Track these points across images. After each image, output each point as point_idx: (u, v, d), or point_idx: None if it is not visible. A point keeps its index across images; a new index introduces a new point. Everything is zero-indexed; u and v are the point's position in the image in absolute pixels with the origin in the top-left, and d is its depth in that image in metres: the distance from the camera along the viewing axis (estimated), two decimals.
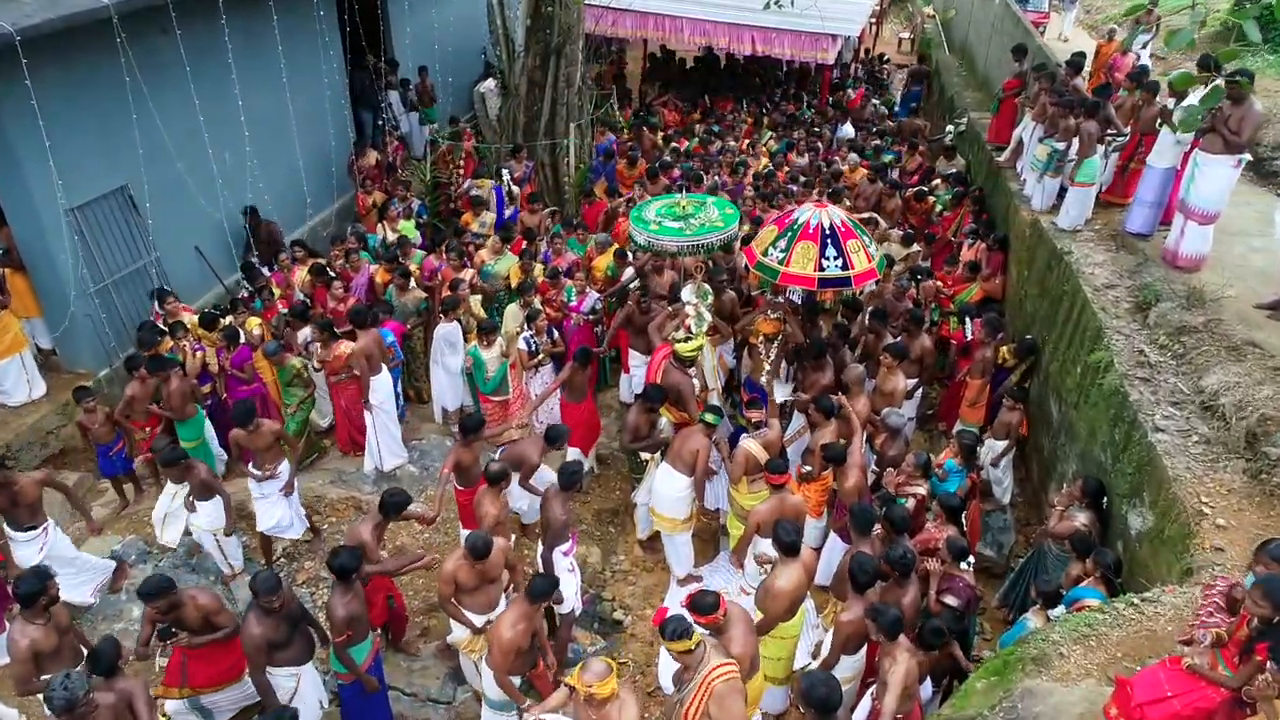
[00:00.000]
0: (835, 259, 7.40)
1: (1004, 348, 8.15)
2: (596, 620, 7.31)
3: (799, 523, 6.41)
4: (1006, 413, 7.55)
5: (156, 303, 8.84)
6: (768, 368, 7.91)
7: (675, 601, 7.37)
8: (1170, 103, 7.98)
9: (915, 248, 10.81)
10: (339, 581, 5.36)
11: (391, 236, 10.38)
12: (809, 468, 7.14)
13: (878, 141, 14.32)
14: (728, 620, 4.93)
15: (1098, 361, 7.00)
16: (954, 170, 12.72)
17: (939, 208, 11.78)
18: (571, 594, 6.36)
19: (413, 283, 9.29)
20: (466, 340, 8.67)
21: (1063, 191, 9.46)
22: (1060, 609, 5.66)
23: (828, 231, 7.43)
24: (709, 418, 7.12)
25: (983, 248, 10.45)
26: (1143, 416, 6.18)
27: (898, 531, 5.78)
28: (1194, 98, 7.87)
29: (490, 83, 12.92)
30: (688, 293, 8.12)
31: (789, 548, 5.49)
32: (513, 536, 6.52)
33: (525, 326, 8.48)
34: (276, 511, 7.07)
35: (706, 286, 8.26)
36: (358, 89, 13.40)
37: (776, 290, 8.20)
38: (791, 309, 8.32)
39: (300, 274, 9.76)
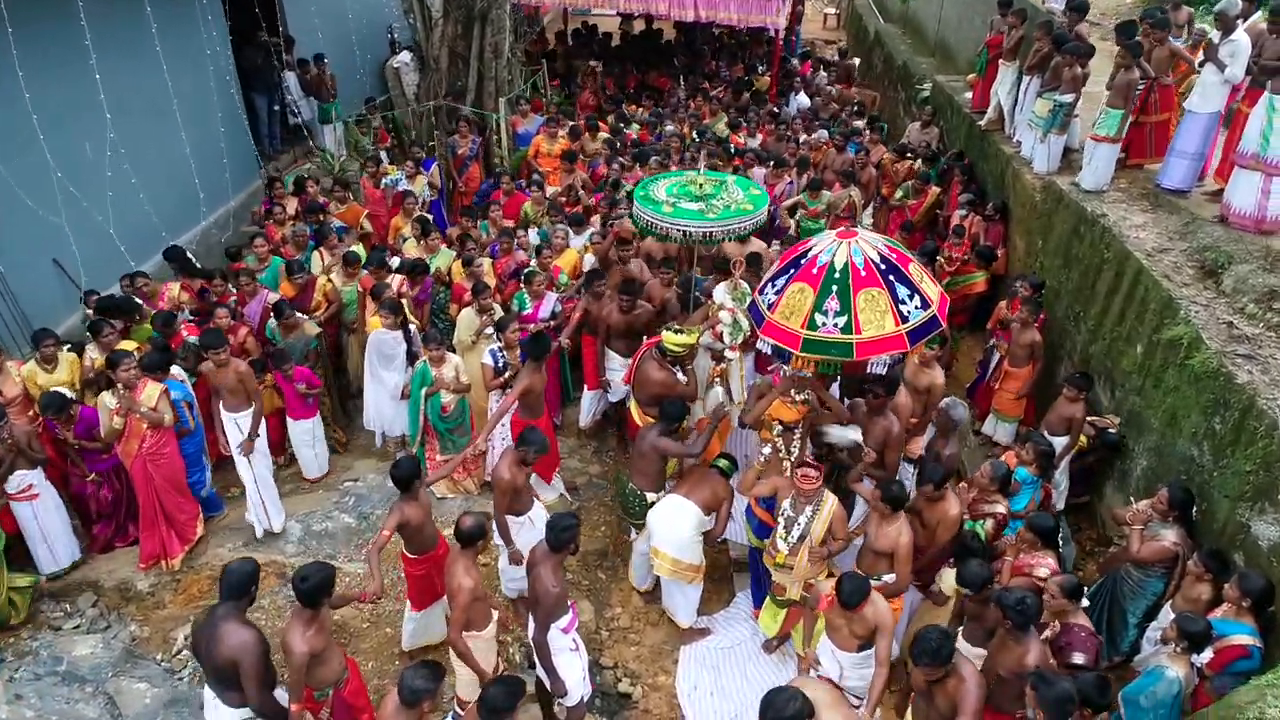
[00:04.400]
0: (911, 298, 5.25)
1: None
2: (598, 696, 5.84)
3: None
4: (1067, 404, 6.38)
5: None
6: (787, 465, 5.76)
7: (690, 660, 6.01)
8: (1215, 36, 6.98)
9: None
10: None
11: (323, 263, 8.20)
12: (890, 575, 5.23)
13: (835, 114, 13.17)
14: None
15: (1177, 338, 5.91)
16: (925, 140, 11.63)
17: (900, 194, 10.64)
18: (577, 679, 4.90)
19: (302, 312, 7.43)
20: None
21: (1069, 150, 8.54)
22: (1207, 653, 4.51)
23: (882, 266, 5.27)
24: (723, 464, 5.93)
25: (978, 220, 9.39)
26: (1262, 403, 5.08)
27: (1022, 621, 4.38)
28: (1238, 34, 6.89)
29: (405, 56, 11.25)
30: (721, 292, 6.50)
31: None
32: (495, 615, 5.01)
33: (495, 337, 6.93)
34: None
35: (745, 286, 6.55)
36: (248, 69, 11.53)
37: (855, 368, 5.68)
38: (820, 381, 5.93)
39: (172, 290, 7.84)
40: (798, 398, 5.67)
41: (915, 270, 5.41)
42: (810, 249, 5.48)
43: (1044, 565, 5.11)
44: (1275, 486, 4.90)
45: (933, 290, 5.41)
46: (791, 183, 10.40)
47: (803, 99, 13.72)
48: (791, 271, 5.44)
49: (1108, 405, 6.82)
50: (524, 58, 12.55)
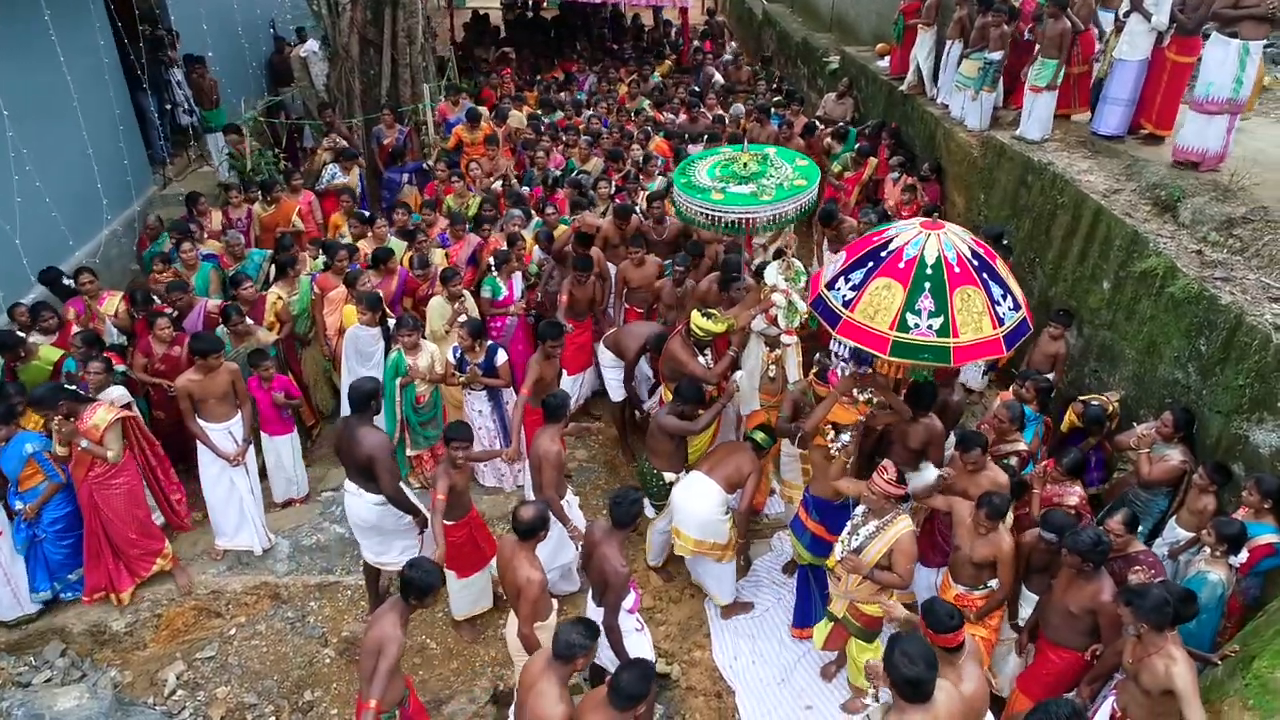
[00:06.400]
0: (1005, 298, 4.76)
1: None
2: None
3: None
4: (1050, 342, 6.63)
5: None
6: (844, 456, 5.27)
7: (723, 632, 5.90)
8: None
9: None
10: None
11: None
12: (995, 581, 4.79)
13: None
14: None
15: (1151, 269, 6.22)
16: (841, 111, 11.90)
17: (838, 168, 10.81)
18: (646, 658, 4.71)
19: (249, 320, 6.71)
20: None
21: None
22: (1243, 554, 4.76)
23: (975, 263, 4.75)
24: (759, 437, 5.61)
25: (909, 181, 9.64)
26: (1251, 319, 5.40)
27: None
28: None
29: (312, 44, 10.58)
30: (773, 273, 6.01)
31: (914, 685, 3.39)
32: (555, 604, 4.76)
33: (457, 329, 6.53)
34: None
35: (799, 265, 6.10)
36: (132, 67, 10.55)
37: (944, 373, 5.22)
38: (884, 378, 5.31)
39: (111, 302, 7.15)
40: (860, 397, 5.23)
41: (1002, 267, 5.01)
42: (890, 240, 4.90)
43: (1073, 494, 5.28)
44: (1273, 395, 5.23)
45: (1016, 288, 4.98)
46: None
47: (716, 76, 13.80)
48: (870, 265, 4.86)
49: (1076, 343, 7.12)
50: (434, 43, 12.07)
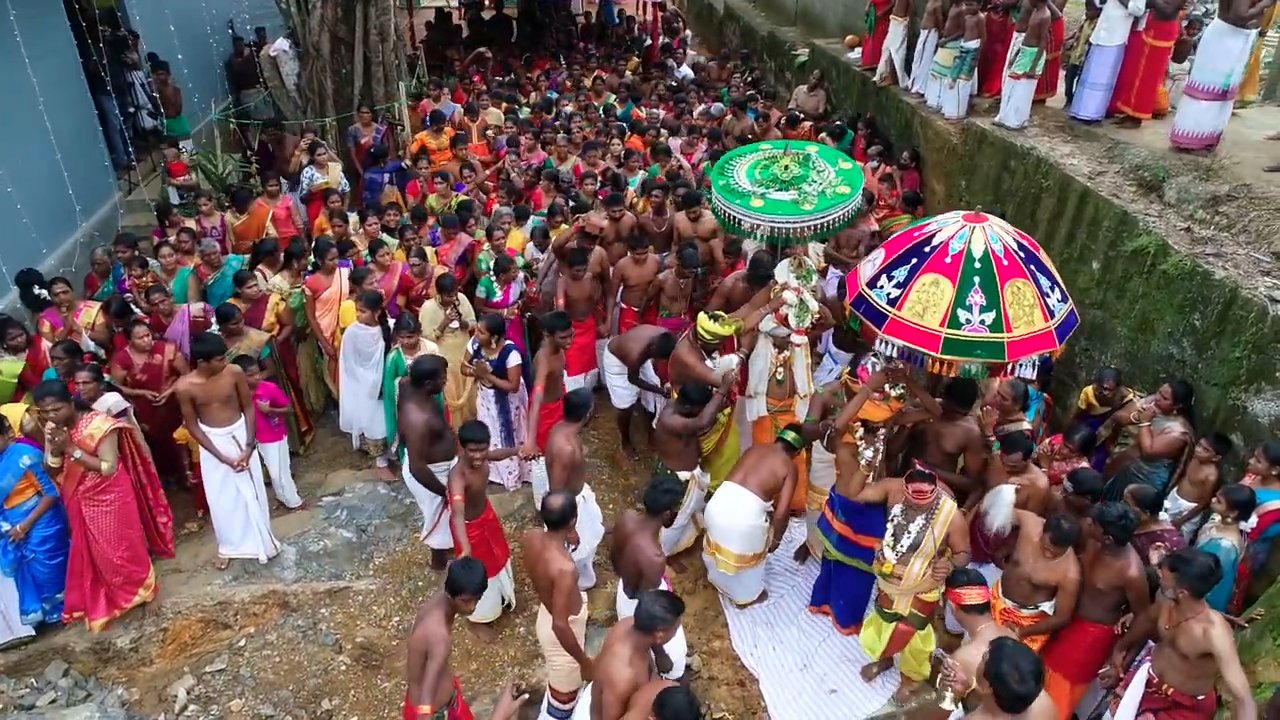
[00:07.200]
0: (1053, 289, 4.67)
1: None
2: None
3: None
4: None
5: None
6: (866, 470, 5.10)
7: (741, 621, 5.90)
8: None
9: None
10: None
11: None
12: (1048, 604, 4.67)
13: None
14: None
15: (1142, 248, 6.36)
16: (814, 103, 11.99)
17: None
18: (681, 651, 4.71)
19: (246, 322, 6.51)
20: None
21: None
22: (1253, 519, 4.89)
23: (1022, 255, 4.64)
24: (790, 437, 5.50)
25: (888, 170, 9.76)
26: (1246, 293, 5.55)
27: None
28: None
29: (282, 43, 10.34)
30: (784, 271, 5.87)
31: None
32: (584, 598, 4.71)
33: (475, 322, 6.45)
34: None
35: (810, 262, 5.91)
36: (92, 69, 10.22)
37: (997, 370, 4.76)
38: (914, 375, 5.16)
39: (89, 313, 6.90)
40: (892, 393, 5.09)
41: (1046, 258, 4.88)
42: (933, 235, 4.74)
43: (1075, 468, 5.37)
44: (1270, 366, 5.37)
45: (1060, 281, 4.87)
46: (707, 150, 10.42)
47: (686, 70, 13.82)
48: (914, 261, 4.69)
49: None
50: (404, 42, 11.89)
